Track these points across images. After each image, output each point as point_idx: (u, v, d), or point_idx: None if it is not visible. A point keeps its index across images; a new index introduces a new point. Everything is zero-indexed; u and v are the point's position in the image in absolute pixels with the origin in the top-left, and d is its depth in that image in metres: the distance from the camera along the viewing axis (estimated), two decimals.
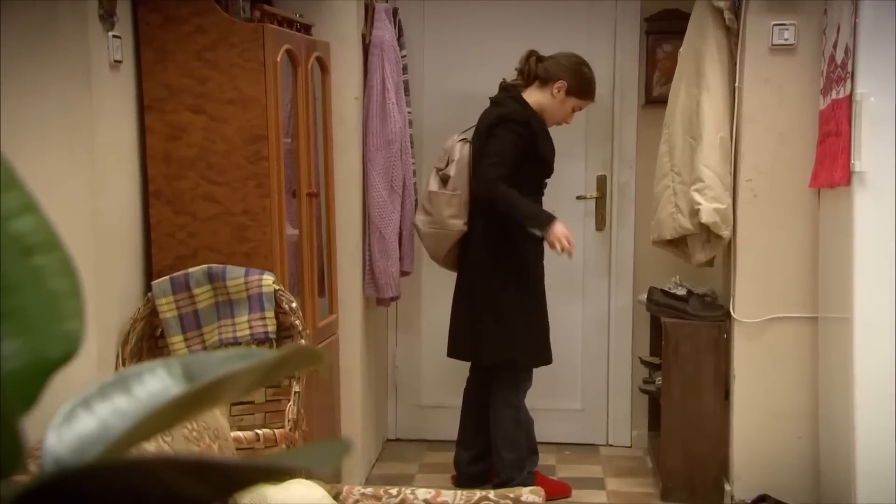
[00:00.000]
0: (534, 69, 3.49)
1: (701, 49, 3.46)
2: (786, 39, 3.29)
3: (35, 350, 0.43)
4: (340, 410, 3.65)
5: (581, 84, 3.49)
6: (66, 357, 0.45)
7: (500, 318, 3.44)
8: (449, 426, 4.35)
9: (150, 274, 2.92)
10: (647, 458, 4.11)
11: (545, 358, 3.56)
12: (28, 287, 0.42)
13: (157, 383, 0.47)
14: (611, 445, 4.31)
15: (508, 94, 3.51)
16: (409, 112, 3.88)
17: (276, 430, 2.66)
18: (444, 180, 3.51)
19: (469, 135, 3.58)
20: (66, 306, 0.44)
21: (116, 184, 2.76)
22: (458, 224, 3.49)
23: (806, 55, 3.28)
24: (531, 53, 3.53)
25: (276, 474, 0.45)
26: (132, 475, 0.37)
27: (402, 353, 4.39)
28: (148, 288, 2.87)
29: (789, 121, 3.33)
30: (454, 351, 3.63)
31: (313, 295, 3.33)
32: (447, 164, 3.53)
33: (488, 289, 3.45)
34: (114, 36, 2.68)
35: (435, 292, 4.33)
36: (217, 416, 1.91)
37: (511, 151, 3.37)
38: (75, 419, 0.44)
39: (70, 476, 0.37)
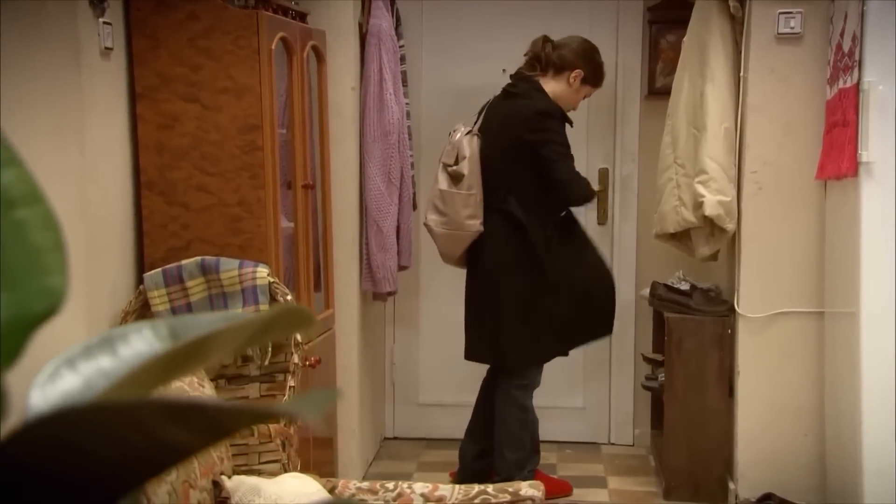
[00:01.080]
0: (551, 57, 3.45)
1: (705, 38, 3.46)
2: (792, 28, 3.29)
3: (17, 305, 0.43)
4: (337, 408, 3.65)
5: (596, 72, 3.50)
6: (48, 312, 0.45)
7: (525, 319, 3.39)
8: (448, 424, 4.35)
9: (141, 266, 2.92)
10: (650, 456, 4.11)
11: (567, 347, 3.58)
12: (10, 241, 0.42)
13: (143, 344, 0.47)
14: (613, 444, 4.31)
15: (532, 85, 3.44)
16: (407, 103, 3.88)
17: (270, 426, 2.66)
18: (455, 178, 3.42)
19: (475, 127, 3.54)
20: (48, 261, 0.44)
21: (107, 174, 2.76)
22: (476, 224, 3.41)
23: (812, 44, 3.28)
24: (545, 40, 3.47)
25: (263, 419, 0.45)
26: (112, 418, 0.37)
27: (399, 350, 4.39)
28: (140, 280, 2.87)
29: (795, 111, 3.32)
30: (474, 354, 3.57)
31: (309, 289, 3.33)
32: (457, 161, 3.44)
33: (511, 289, 3.39)
34: (104, 22, 2.68)
35: (434, 287, 4.33)
36: None
37: (567, 145, 3.38)
38: (59, 378, 0.44)
39: (49, 421, 0.37)
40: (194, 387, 1.90)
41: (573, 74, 3.44)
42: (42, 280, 0.44)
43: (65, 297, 0.46)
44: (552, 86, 3.46)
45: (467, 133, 3.47)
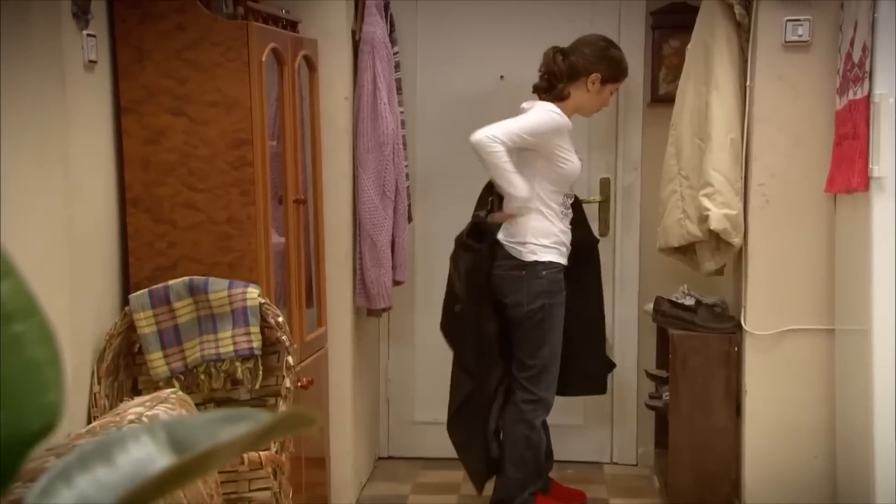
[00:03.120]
0: (563, 67, 3.45)
1: (710, 45, 3.46)
2: (800, 36, 3.30)
3: (14, 423, 0.43)
4: (330, 427, 3.66)
5: (614, 69, 3.49)
6: (46, 430, 0.45)
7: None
8: (445, 443, 4.33)
9: (127, 286, 2.92)
10: (654, 477, 4.12)
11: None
12: (7, 356, 0.43)
13: (141, 451, 0.47)
14: (615, 463, 4.31)
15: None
16: (402, 112, 3.88)
17: (261, 454, 2.66)
18: None
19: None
20: (45, 376, 0.44)
21: (92, 191, 2.76)
22: None
23: (821, 52, 3.29)
24: (556, 52, 3.47)
25: None
26: None
27: (394, 367, 4.39)
28: (125, 301, 2.87)
29: (804, 121, 3.33)
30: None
31: (301, 306, 3.33)
32: None
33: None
34: (88, 35, 2.68)
35: (430, 302, 4.32)
36: None
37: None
38: (54, 493, 0.44)
39: None
40: None
41: (590, 79, 3.45)
42: (39, 397, 0.44)
43: (62, 414, 0.47)
44: (574, 96, 3.47)
45: None
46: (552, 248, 3.45)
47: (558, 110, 3.41)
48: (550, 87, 3.46)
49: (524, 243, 3.44)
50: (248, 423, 0.48)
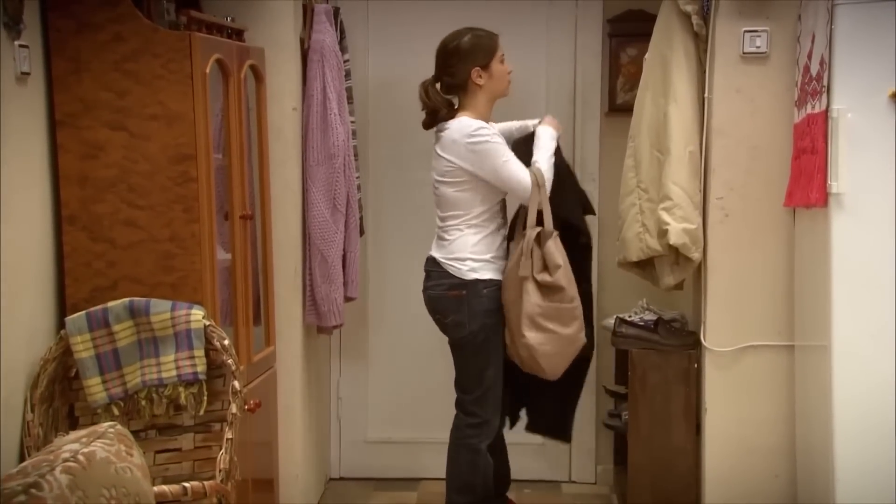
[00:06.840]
0: (440, 99, 3.37)
1: (667, 56, 3.48)
2: (758, 47, 3.32)
3: None
4: (278, 448, 3.62)
5: (483, 48, 3.37)
6: None
7: None
8: (398, 463, 4.33)
9: (63, 308, 2.87)
10: (613, 495, 4.13)
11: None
12: None
13: None
14: (573, 482, 4.32)
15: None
16: (353, 122, 3.85)
17: (205, 483, 2.61)
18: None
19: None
20: None
21: (24, 208, 2.70)
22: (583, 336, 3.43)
23: (779, 64, 3.32)
24: (424, 87, 3.40)
25: None
26: None
27: (346, 384, 4.36)
28: (61, 324, 2.81)
29: (763, 134, 3.36)
30: None
31: (248, 325, 3.29)
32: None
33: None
34: (20, 45, 2.63)
35: (383, 318, 4.30)
36: (139, 481, 1.87)
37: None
38: None
39: None
40: (122, 457, 1.86)
41: (473, 76, 3.34)
42: None
43: None
44: (474, 98, 3.37)
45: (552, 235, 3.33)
46: (491, 262, 3.36)
47: (475, 122, 3.31)
48: (435, 117, 3.40)
49: (463, 260, 3.34)
50: None
